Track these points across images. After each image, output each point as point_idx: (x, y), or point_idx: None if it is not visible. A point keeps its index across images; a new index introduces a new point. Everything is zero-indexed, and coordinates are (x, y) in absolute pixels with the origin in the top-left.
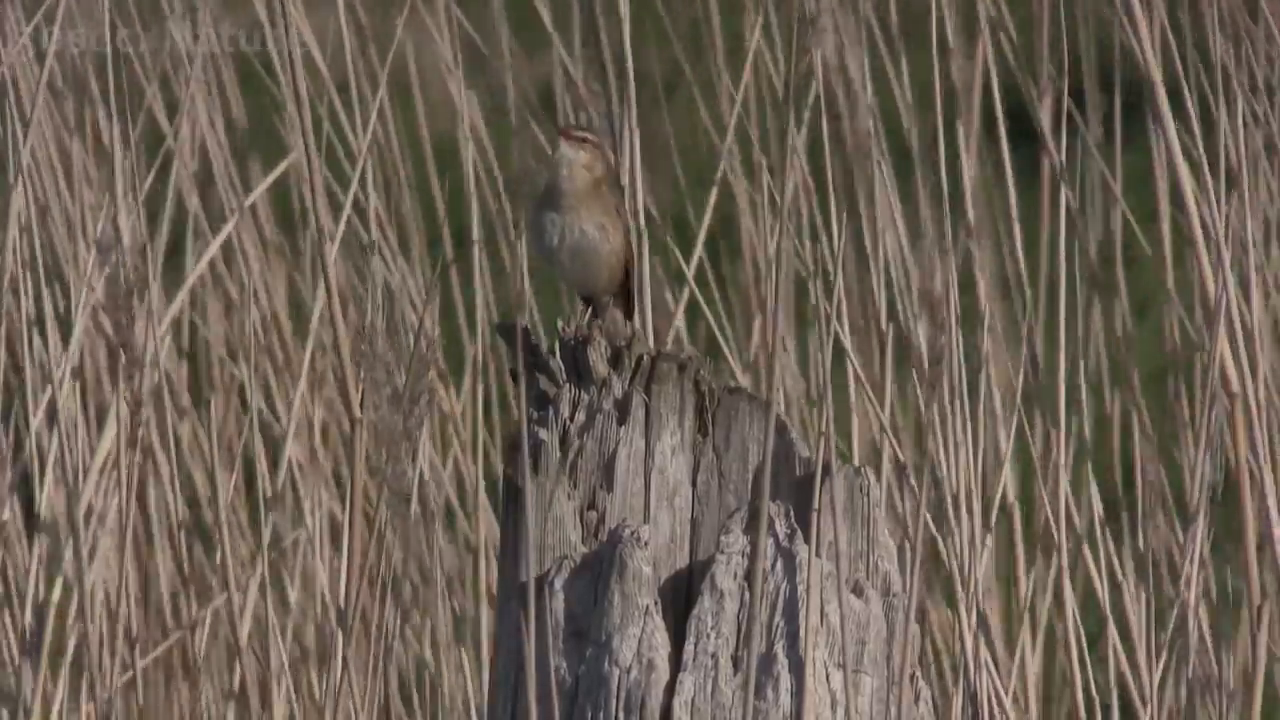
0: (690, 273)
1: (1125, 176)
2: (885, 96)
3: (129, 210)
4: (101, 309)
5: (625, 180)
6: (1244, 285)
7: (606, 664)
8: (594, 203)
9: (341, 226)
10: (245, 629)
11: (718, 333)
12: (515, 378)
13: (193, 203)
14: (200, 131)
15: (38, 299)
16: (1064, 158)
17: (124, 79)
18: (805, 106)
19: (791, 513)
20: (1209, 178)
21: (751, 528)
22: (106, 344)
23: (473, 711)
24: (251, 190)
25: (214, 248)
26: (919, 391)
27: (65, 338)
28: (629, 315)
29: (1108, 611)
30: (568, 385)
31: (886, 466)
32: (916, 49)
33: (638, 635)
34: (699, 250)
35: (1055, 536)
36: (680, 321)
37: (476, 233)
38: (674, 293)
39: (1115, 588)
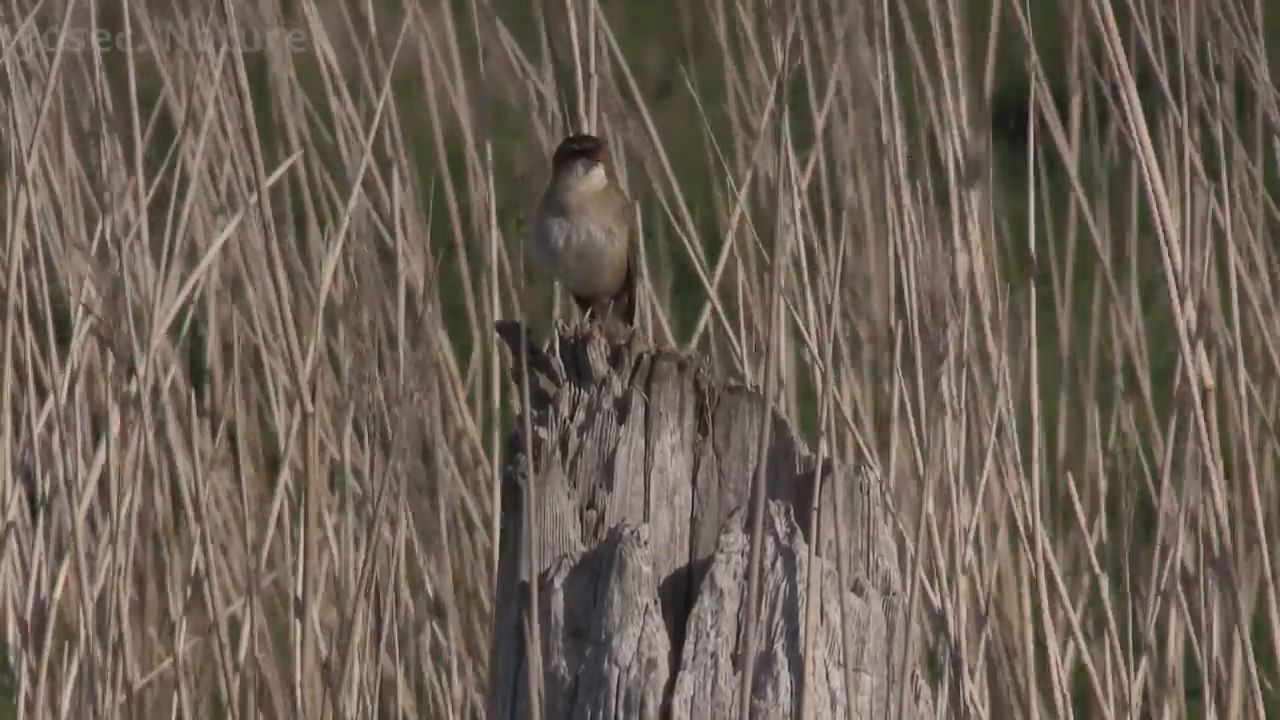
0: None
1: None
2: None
3: (129, 208)
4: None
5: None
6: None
7: (606, 663)
8: (602, 205)
9: (343, 225)
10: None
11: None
12: (516, 377)
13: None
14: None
15: (33, 301)
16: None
17: (128, 78)
18: (789, 101)
19: (791, 511)
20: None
21: (751, 526)
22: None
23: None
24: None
25: (217, 246)
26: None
27: (64, 340)
28: (630, 315)
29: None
30: (567, 384)
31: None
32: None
33: (637, 634)
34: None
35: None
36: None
37: (477, 232)
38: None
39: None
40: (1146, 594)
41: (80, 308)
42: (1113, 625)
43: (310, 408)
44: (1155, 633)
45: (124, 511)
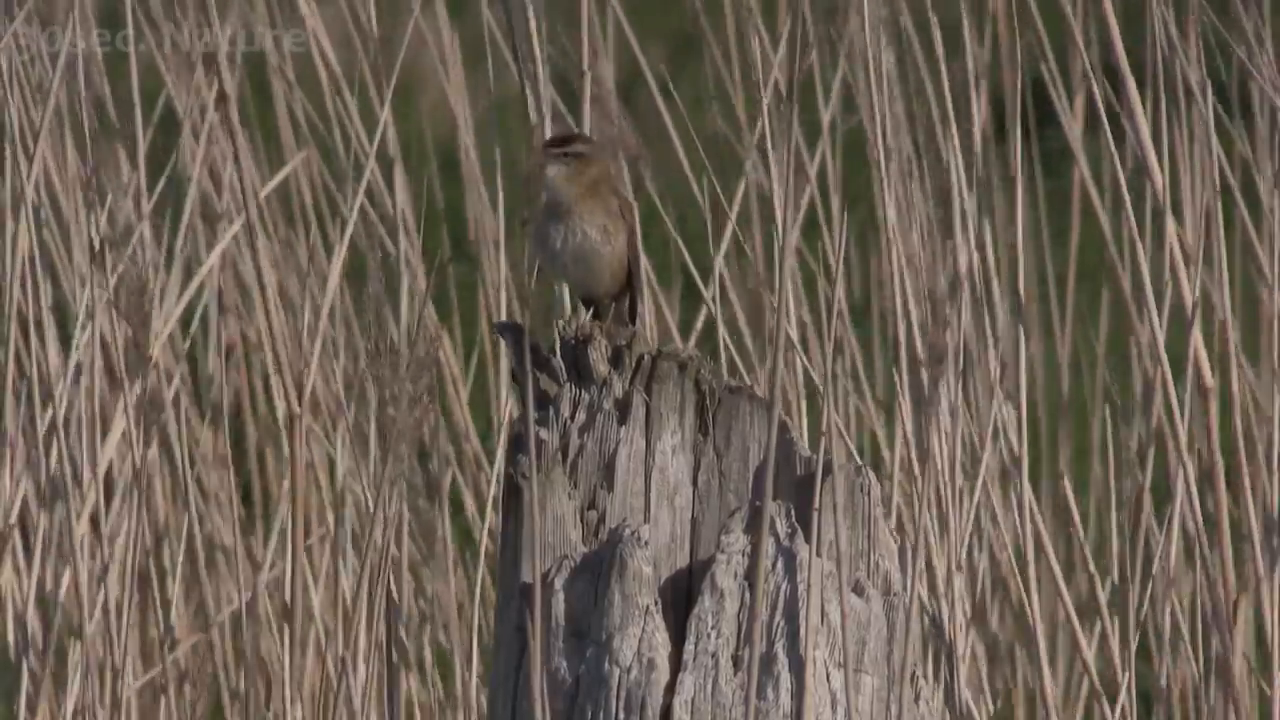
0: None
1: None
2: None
3: (135, 208)
4: (114, 308)
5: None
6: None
7: (607, 664)
8: (595, 205)
9: (349, 228)
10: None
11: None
12: (516, 377)
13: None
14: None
15: (36, 299)
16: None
17: (130, 79)
18: (796, 101)
19: (792, 512)
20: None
21: (752, 527)
22: (106, 346)
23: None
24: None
25: (220, 246)
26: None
27: (65, 339)
28: (632, 316)
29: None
30: (568, 385)
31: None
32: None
33: (638, 635)
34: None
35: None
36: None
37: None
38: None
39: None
40: (1145, 592)
41: (84, 307)
42: (1113, 624)
43: (297, 409)
44: (1154, 631)
45: (126, 511)
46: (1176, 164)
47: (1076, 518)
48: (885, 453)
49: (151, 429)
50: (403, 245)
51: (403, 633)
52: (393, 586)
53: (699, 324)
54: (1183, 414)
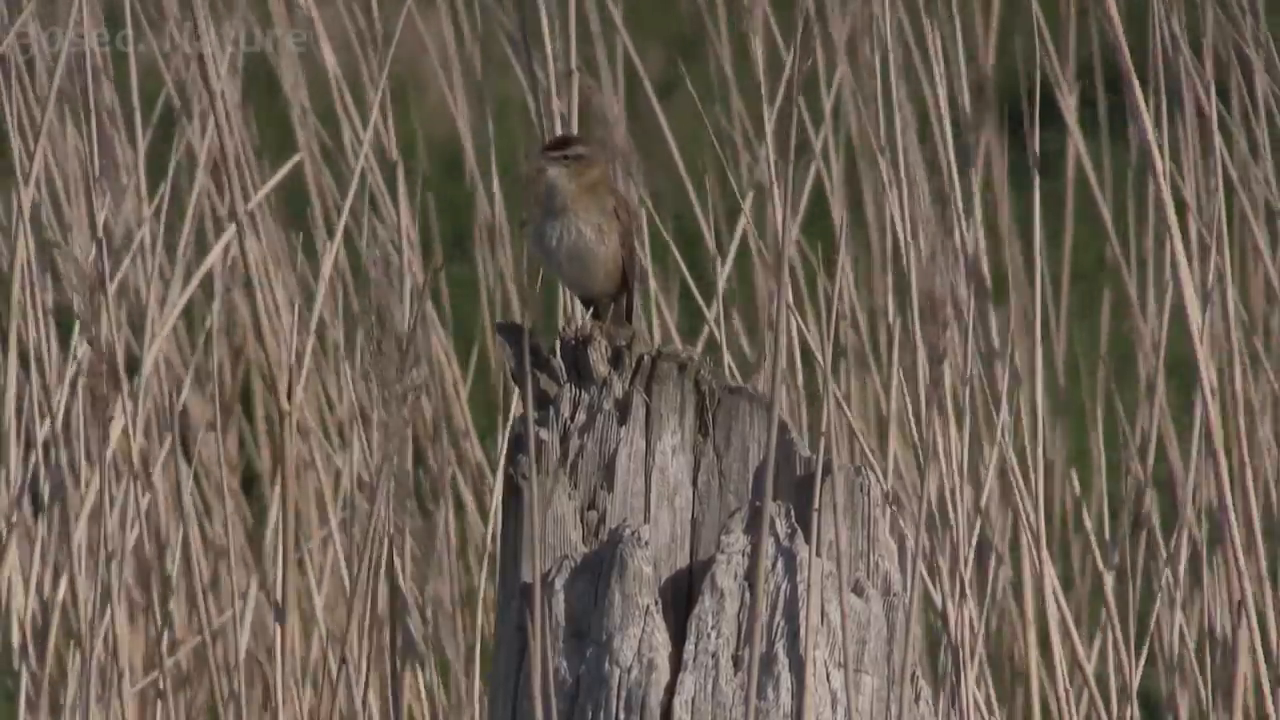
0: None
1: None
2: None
3: (134, 208)
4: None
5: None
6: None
7: (607, 664)
8: (591, 204)
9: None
10: (244, 645)
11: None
12: (517, 378)
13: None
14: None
15: (32, 296)
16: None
17: (131, 79)
18: (796, 100)
19: (792, 512)
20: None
21: (752, 527)
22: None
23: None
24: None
25: (219, 248)
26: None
27: (65, 339)
28: (629, 316)
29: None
30: (568, 385)
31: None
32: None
33: (638, 635)
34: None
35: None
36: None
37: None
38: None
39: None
40: (1149, 588)
41: (77, 313)
42: (1115, 621)
43: (286, 406)
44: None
45: (125, 514)
46: (1181, 165)
47: (1089, 521)
48: (884, 451)
49: (152, 429)
50: (404, 246)
51: (404, 632)
52: (394, 585)
53: (704, 331)
54: (1183, 414)
